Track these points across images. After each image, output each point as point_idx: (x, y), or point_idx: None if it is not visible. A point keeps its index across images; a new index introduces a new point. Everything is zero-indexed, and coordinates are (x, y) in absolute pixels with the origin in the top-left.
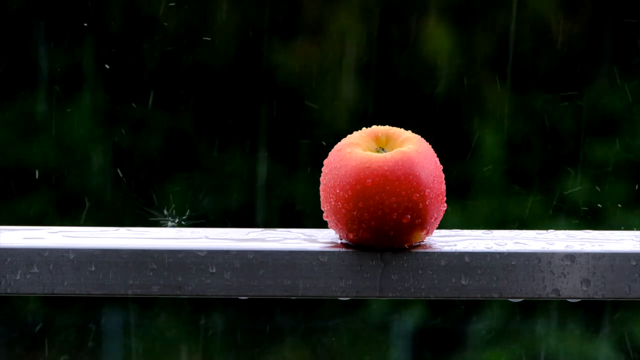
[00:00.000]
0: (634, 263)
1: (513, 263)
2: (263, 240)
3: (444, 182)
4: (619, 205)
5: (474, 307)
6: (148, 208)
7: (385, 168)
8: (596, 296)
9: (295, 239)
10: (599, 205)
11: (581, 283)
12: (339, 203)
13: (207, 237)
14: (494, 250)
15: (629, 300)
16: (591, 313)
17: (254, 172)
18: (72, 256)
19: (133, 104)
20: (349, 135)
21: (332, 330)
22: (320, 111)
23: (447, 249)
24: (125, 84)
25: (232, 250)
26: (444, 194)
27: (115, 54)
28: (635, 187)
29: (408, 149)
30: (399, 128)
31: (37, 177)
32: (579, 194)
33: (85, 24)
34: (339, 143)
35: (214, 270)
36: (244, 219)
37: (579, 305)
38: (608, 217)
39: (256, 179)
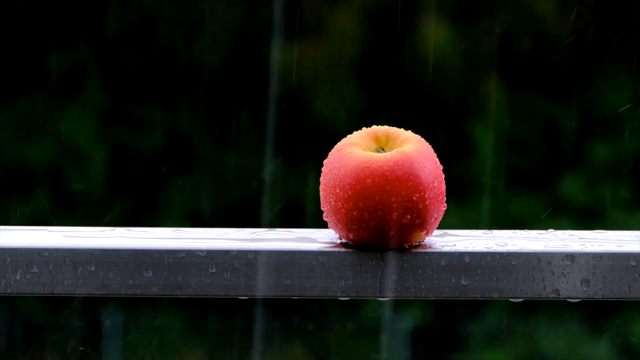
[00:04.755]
0: (634, 263)
1: (513, 263)
2: (263, 240)
3: (444, 182)
4: (619, 205)
5: (474, 307)
6: (148, 208)
7: (385, 168)
8: (596, 296)
9: (296, 239)
10: (599, 205)
11: (581, 283)
12: (339, 203)
13: (207, 237)
14: (494, 250)
15: (629, 300)
16: (591, 313)
17: (254, 172)
18: (72, 256)
19: (133, 104)
20: (348, 135)
21: (331, 330)
22: (319, 111)
23: (447, 249)
24: (125, 84)
25: (232, 250)
26: (444, 194)
27: (115, 53)
28: (635, 187)
29: (408, 149)
30: (398, 128)
31: (37, 177)
32: (579, 194)
33: (85, 24)
34: (338, 143)
35: (214, 270)
36: (244, 219)
37: (579, 305)
38: (608, 217)
39: (256, 179)
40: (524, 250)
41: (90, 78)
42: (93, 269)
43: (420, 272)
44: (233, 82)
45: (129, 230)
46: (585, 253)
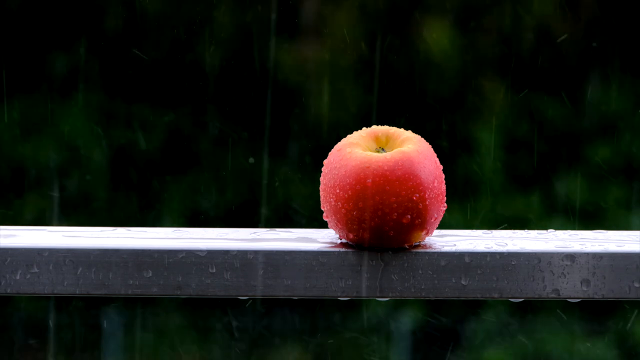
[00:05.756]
0: (634, 263)
1: (513, 263)
2: (263, 240)
3: (444, 182)
4: (619, 206)
5: (474, 307)
6: (148, 208)
7: (385, 168)
8: (596, 296)
9: (296, 239)
10: (598, 205)
11: (581, 283)
12: (339, 203)
13: (207, 237)
14: (494, 250)
15: (629, 300)
16: (591, 313)
17: (254, 172)
18: (72, 256)
19: (133, 104)
20: (349, 135)
21: (331, 331)
22: (320, 111)
23: (447, 249)
24: (125, 84)
25: (232, 250)
26: (444, 194)
27: (115, 53)
28: (635, 187)
29: (408, 149)
30: (399, 128)
31: (37, 177)
32: (579, 194)
33: (85, 24)
34: (338, 143)
35: (214, 270)
36: (244, 219)
37: (579, 305)
38: (608, 217)
39: (256, 178)
40: (524, 250)
41: (90, 78)
42: (93, 269)
43: (420, 272)
44: (233, 82)
45: (129, 230)
46: (585, 253)
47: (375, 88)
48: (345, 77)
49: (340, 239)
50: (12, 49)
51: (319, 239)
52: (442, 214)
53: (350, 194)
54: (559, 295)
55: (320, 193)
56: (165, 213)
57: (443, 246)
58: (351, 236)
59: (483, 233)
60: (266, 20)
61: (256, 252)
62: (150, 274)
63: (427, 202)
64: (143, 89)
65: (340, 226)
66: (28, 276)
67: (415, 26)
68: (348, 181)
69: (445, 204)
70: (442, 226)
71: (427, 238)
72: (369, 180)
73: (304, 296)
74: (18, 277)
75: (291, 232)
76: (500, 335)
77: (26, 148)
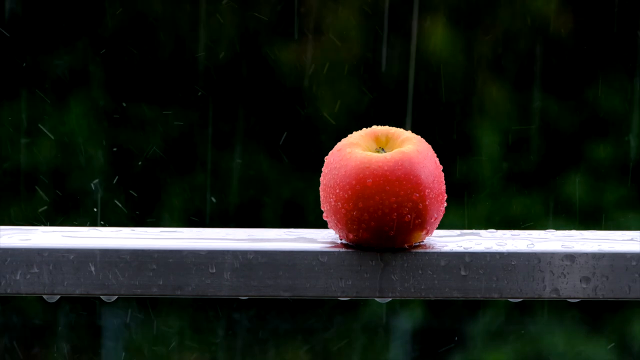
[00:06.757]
0: (634, 263)
1: (513, 263)
2: (263, 240)
3: (444, 182)
4: (619, 205)
5: (474, 307)
6: (148, 208)
7: (385, 168)
8: (596, 296)
9: (295, 239)
10: (598, 205)
11: (581, 283)
12: (339, 203)
13: (207, 237)
14: (494, 250)
15: (629, 300)
16: (591, 313)
17: (254, 172)
18: (72, 256)
19: (133, 104)
20: (349, 135)
21: (331, 330)
22: (320, 111)
23: (447, 249)
24: (125, 84)
25: (232, 250)
26: (444, 194)
27: (115, 53)
28: (635, 187)
29: (408, 149)
30: (398, 128)
31: (37, 177)
32: (579, 194)
33: (85, 24)
34: (338, 143)
35: (214, 270)
36: (244, 218)
37: (578, 305)
38: (608, 217)
39: (256, 178)
40: (524, 250)
41: (91, 78)
42: (93, 269)
43: (420, 272)
44: (233, 82)
45: (129, 230)
46: (585, 253)
47: (375, 88)
48: (345, 77)
49: (340, 239)
50: (12, 48)
51: (319, 239)
52: (442, 214)
53: (350, 194)
54: (559, 295)
55: (320, 193)
56: (165, 213)
57: (443, 246)
58: (351, 236)
59: (483, 233)
60: (267, 20)
61: (256, 252)
62: (150, 274)
63: (427, 202)
64: (143, 88)
65: (340, 226)
66: (28, 276)
67: (415, 26)
68: (348, 181)
69: (445, 204)
70: (442, 226)
71: (427, 238)
72: (369, 180)
73: (304, 296)
74: (18, 277)
75: (291, 232)
76: (500, 336)
77: (26, 148)
